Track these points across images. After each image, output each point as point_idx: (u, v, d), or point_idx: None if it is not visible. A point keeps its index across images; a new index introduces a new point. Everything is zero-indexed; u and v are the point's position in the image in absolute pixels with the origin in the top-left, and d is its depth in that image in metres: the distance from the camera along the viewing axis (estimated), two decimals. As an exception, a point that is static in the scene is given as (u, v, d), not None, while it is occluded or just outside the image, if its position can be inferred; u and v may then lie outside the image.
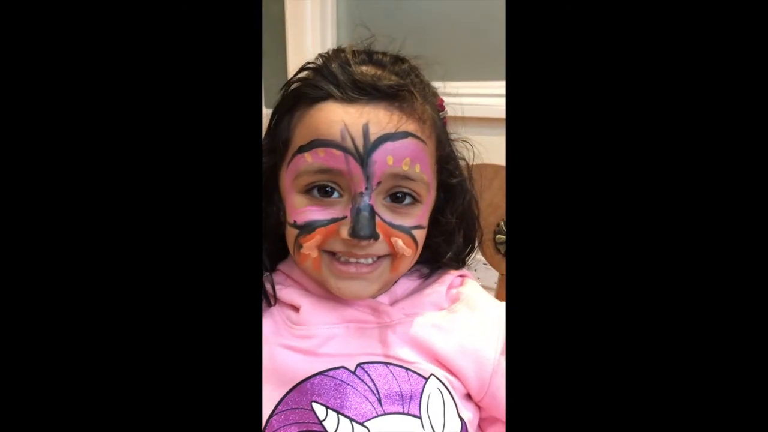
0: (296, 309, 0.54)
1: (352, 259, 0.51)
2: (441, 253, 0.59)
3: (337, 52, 0.53)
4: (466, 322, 0.54)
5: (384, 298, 0.56)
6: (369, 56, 0.53)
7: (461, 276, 0.60)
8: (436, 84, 0.57)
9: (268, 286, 0.56)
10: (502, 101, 1.19)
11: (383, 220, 0.49)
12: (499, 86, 1.31)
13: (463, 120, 0.59)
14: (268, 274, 0.57)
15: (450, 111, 0.58)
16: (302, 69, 0.54)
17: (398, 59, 0.54)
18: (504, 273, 0.76)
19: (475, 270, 0.66)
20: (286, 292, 0.56)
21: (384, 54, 0.54)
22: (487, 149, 0.63)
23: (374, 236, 0.48)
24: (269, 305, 0.56)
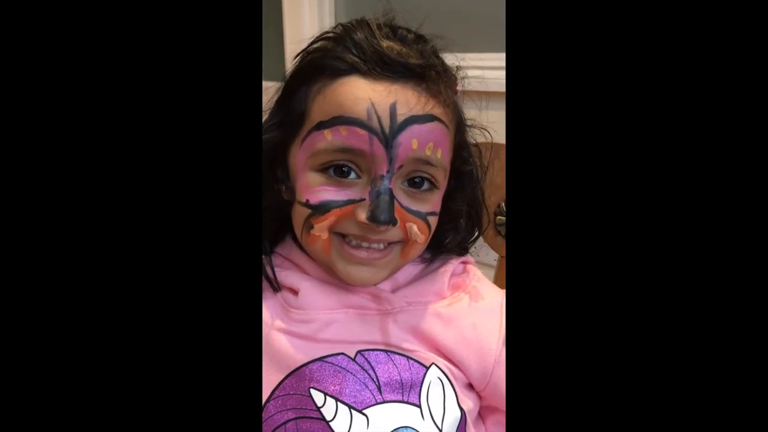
0: (295, 292, 0.53)
1: (364, 244, 0.49)
2: (446, 239, 0.57)
3: (361, 22, 0.50)
4: (468, 311, 0.53)
5: (385, 285, 0.55)
6: (393, 31, 0.50)
7: (464, 263, 0.59)
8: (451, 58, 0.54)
9: (268, 271, 0.54)
10: (502, 74, 1.16)
11: (401, 205, 0.48)
12: (499, 58, 1.28)
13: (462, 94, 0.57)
14: (267, 257, 0.55)
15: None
16: (318, 39, 0.51)
17: (420, 37, 0.51)
18: (504, 255, 0.75)
19: (475, 247, 0.65)
20: (285, 275, 0.54)
21: (408, 30, 0.51)
22: (487, 124, 0.61)
23: (393, 221, 0.46)
24: (274, 291, 0.54)
